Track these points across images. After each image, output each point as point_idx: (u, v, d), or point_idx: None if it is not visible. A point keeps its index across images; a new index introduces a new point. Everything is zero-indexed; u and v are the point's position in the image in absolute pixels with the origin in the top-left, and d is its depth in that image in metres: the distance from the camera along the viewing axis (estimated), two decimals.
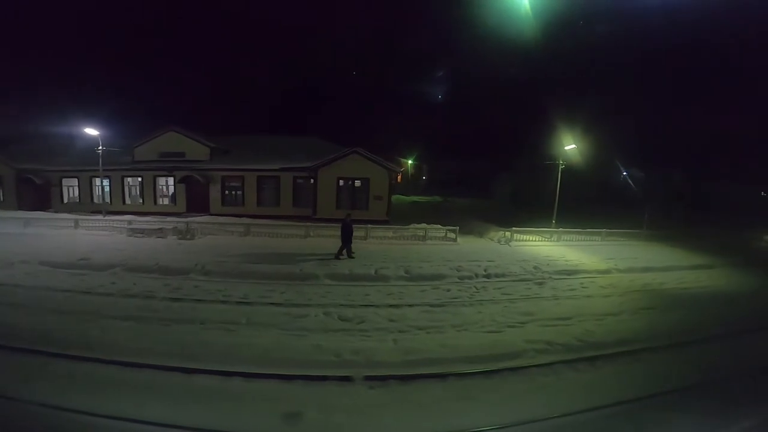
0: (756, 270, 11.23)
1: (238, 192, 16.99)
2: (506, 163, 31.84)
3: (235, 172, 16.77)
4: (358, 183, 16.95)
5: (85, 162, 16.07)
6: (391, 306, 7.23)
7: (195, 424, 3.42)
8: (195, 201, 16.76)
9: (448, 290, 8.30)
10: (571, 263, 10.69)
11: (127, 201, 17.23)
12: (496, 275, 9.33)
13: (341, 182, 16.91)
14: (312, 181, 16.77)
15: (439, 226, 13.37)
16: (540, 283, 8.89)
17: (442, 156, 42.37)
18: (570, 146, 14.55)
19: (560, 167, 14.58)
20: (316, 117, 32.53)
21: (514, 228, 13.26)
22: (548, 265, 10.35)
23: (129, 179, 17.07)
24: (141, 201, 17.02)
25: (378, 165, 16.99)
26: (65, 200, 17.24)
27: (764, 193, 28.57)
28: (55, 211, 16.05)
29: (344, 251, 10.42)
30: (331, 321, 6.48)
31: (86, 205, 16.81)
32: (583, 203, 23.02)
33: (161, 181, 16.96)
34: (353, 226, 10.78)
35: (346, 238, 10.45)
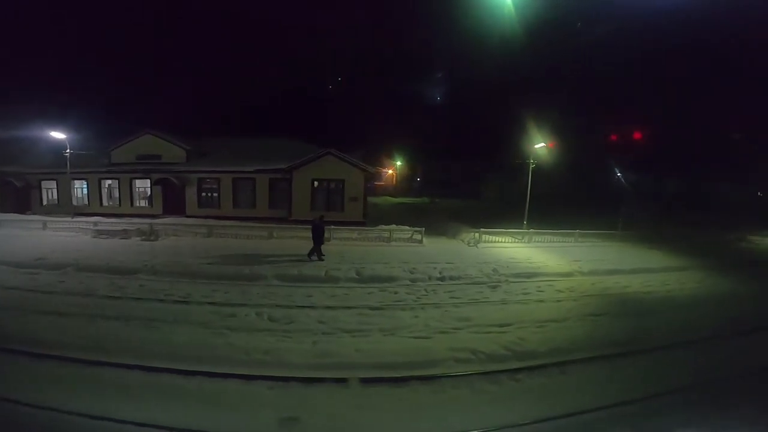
0: (733, 272, 10.85)
1: (214, 194, 17.09)
2: (496, 164, 31.62)
3: (210, 174, 16.89)
4: (333, 184, 16.90)
5: (63, 165, 16.26)
6: (327, 308, 7.18)
7: (79, 409, 3.70)
8: (171, 203, 16.88)
9: (396, 293, 8.20)
10: (534, 265, 10.51)
11: (105, 203, 17.39)
12: (451, 278, 9.19)
13: (316, 183, 16.92)
14: (287, 182, 16.76)
15: (406, 227, 13.25)
16: (494, 287, 8.71)
17: (436, 157, 42.18)
18: (539, 144, 14.38)
19: (531, 166, 14.41)
20: (305, 119, 32.56)
21: (482, 229, 13.07)
22: (509, 267, 10.20)
23: (107, 182, 17.26)
24: (118, 203, 17.12)
25: (353, 166, 16.99)
26: (44, 203, 17.47)
27: (761, 193, 28.09)
28: (34, 213, 16.26)
29: (316, 252, 10.40)
30: (259, 321, 6.46)
31: (65, 207, 17.01)
32: (569, 204, 22.76)
33: (138, 183, 17.10)
34: (325, 227, 10.76)
35: (317, 240, 10.42)
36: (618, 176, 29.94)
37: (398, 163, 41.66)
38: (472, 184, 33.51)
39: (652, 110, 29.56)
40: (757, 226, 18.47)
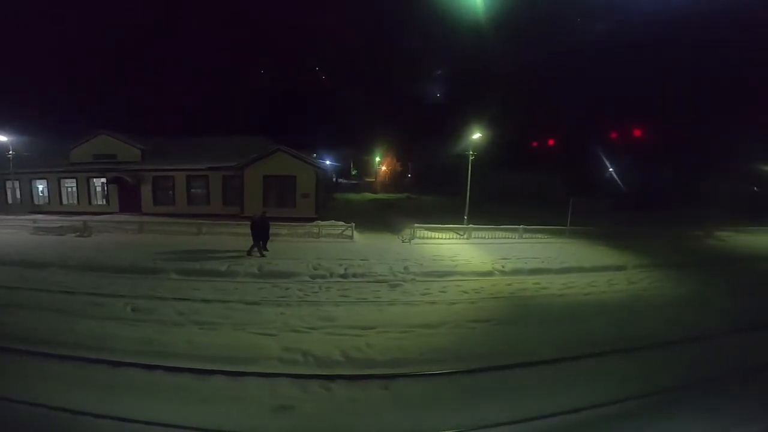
0: (678, 272, 10.36)
1: (169, 192, 17.48)
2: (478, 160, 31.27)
3: (164, 173, 17.41)
4: (284, 181, 17.09)
5: (25, 165, 16.97)
6: (202, 301, 7.45)
7: None
8: (127, 201, 17.48)
9: (287, 289, 8.34)
10: (455, 263, 10.36)
11: (65, 201, 18.09)
12: (354, 275, 9.22)
13: (267, 180, 17.09)
14: (240, 179, 17.02)
15: (341, 223, 13.33)
16: (394, 286, 8.62)
17: (424, 154, 42.02)
18: (476, 135, 14.20)
19: (470, 158, 14.25)
20: (277, 117, 32.90)
21: (416, 225, 12.97)
22: (426, 265, 10.09)
23: (66, 181, 17.91)
24: (77, 201, 17.77)
25: (304, 163, 17.19)
26: (9, 201, 18.24)
27: (757, 188, 27.10)
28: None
29: (255, 248, 10.63)
30: (120, 311, 6.85)
31: (28, 206, 17.75)
32: (549, 200, 22.30)
33: (95, 182, 17.70)
34: (270, 222, 11.04)
35: (257, 236, 10.67)
36: (610, 171, 29.52)
37: (390, 159, 41.82)
38: (455, 180, 33.18)
39: (647, 106, 28.92)
40: (736, 222, 17.73)
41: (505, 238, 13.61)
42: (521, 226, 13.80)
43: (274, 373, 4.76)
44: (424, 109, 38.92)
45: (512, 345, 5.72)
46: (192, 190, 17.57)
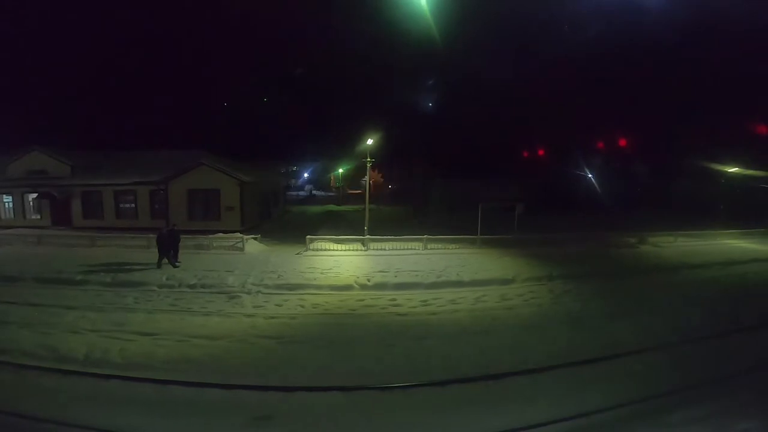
0: (579, 285, 10.04)
1: (98, 206, 18.40)
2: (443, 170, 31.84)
3: (93, 188, 18.40)
4: (208, 194, 17.82)
5: None
6: (31, 305, 8.11)
7: None
8: (59, 215, 18.57)
9: (123, 297, 8.98)
10: (323, 275, 10.62)
11: (3, 216, 19.25)
12: (204, 286, 9.67)
13: (192, 194, 17.82)
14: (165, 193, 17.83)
15: (238, 235, 13.75)
16: (233, 297, 9.02)
17: (403, 166, 42.75)
18: (369, 140, 14.64)
19: (368, 164, 14.68)
20: (225, 131, 34.30)
21: (308, 237, 13.28)
22: (287, 277, 10.32)
23: (3, 196, 19.13)
24: (13, 216, 18.90)
25: (228, 176, 17.91)
26: None
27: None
28: None
29: (165, 260, 11.25)
30: None
31: None
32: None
33: (29, 196, 18.86)
34: (180, 235, 11.81)
35: (163, 248, 11.30)
36: (589, 177, 29.33)
37: (373, 172, 42.85)
38: (424, 191, 33.57)
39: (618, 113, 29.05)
40: (696, 226, 17.29)
41: (406, 249, 13.73)
42: (425, 236, 13.92)
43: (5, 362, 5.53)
44: (398, 122, 40.10)
45: (273, 364, 5.76)
46: (120, 205, 18.52)
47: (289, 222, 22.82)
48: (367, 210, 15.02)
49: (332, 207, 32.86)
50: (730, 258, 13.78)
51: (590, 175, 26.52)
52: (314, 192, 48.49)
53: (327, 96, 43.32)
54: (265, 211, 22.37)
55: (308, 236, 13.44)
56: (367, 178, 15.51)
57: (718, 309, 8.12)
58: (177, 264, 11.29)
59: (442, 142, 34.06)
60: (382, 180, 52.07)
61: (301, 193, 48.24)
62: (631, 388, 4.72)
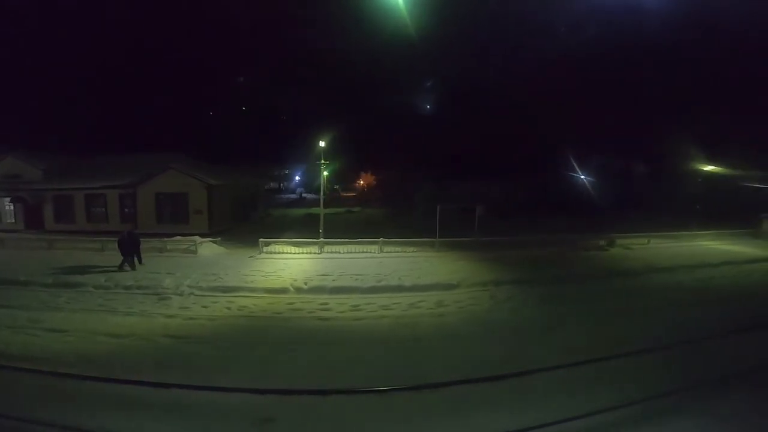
0: (527, 290, 9.85)
1: (70, 210, 18.95)
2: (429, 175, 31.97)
3: (64, 192, 18.94)
4: (177, 198, 18.21)
5: None
6: None
7: None
8: (32, 218, 19.18)
9: (60, 297, 9.35)
10: (263, 278, 10.75)
11: None
12: (140, 287, 9.97)
13: (160, 197, 18.23)
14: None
15: (198, 237, 14.13)
16: (164, 299, 9.24)
17: (395, 169, 42.98)
18: (321, 143, 14.84)
19: (322, 166, 14.90)
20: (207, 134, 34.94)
21: (261, 239, 13.50)
22: (226, 280, 10.48)
23: None
24: None
25: (196, 180, 18.28)
26: None
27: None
28: None
29: (126, 263, 11.58)
30: None
31: None
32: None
33: (4, 201, 19.53)
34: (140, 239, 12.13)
35: (125, 251, 11.65)
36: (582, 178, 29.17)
37: (367, 174, 43.43)
38: (406, 193, 33.70)
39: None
40: (669, 227, 17.07)
41: (362, 252, 13.81)
42: (381, 239, 14.00)
43: None
44: (389, 125, 40.47)
45: (160, 362, 5.97)
46: (91, 208, 19.04)
47: (264, 225, 23.09)
48: (321, 213, 15.23)
49: (316, 210, 33.10)
50: (702, 261, 13.49)
51: (582, 177, 26.35)
52: (304, 195, 49.00)
53: (314, 97, 43.85)
54: (241, 214, 22.73)
55: (261, 239, 13.64)
56: (322, 179, 15.70)
57: (662, 321, 7.73)
58: (140, 265, 11.60)
59: (429, 144, 34.21)
60: (374, 183, 52.51)
61: (292, 195, 48.82)
62: (519, 409, 4.47)
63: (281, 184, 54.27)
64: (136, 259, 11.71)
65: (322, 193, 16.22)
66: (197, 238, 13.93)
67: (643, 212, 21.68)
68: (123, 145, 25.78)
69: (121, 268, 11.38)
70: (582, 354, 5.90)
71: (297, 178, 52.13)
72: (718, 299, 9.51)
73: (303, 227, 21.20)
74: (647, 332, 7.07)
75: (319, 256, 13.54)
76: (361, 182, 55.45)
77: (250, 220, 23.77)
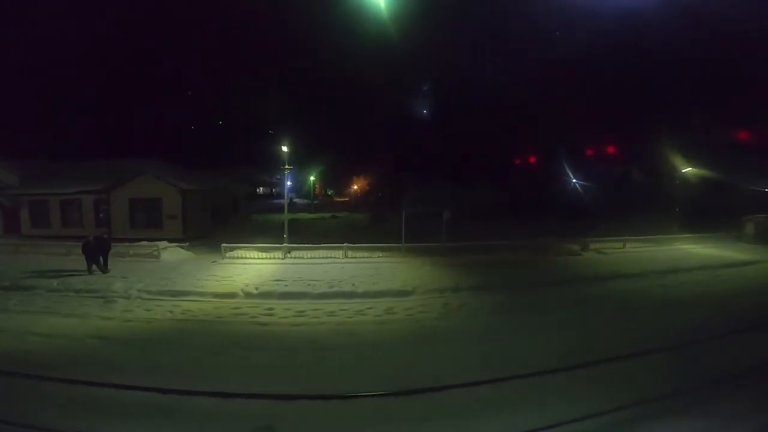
0: (482, 297, 9.58)
1: (46, 215, 19.26)
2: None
3: (40, 197, 19.26)
4: (151, 203, 18.45)
5: None
6: None
7: None
8: (9, 223, 19.46)
9: (10, 299, 9.47)
10: (217, 283, 10.83)
11: None
12: (89, 291, 10.19)
13: (134, 203, 18.49)
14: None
15: (165, 243, 14.30)
16: (110, 302, 9.39)
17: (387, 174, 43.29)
18: (284, 148, 15.01)
19: (286, 171, 15.06)
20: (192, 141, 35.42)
21: (224, 244, 13.64)
22: (178, 284, 10.60)
23: None
24: None
25: (170, 185, 18.50)
26: None
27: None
28: None
29: (95, 268, 11.77)
30: None
31: None
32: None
33: None
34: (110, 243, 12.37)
35: (90, 256, 11.82)
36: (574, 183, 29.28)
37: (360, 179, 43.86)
38: (393, 197, 33.89)
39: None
40: (645, 231, 16.99)
41: (326, 258, 13.87)
42: (345, 245, 14.07)
43: None
44: (378, 129, 40.88)
45: (80, 361, 6.13)
46: (67, 214, 19.36)
47: (242, 231, 23.21)
48: (285, 218, 15.36)
49: (302, 215, 33.25)
50: (675, 266, 13.26)
51: (574, 181, 26.40)
52: (296, 200, 49.25)
53: (302, 102, 44.35)
54: (220, 220, 22.88)
55: (224, 244, 13.77)
56: (285, 184, 15.83)
57: (606, 334, 6.99)
58: (107, 271, 11.74)
59: (414, 148, 34.45)
60: (368, 187, 52.81)
61: (284, 201, 49.01)
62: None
63: (273, 190, 54.53)
64: (103, 263, 11.84)
65: (286, 197, 16.25)
66: (161, 243, 14.09)
67: (625, 215, 21.60)
68: (101, 150, 26.19)
69: (90, 272, 11.54)
70: (507, 370, 5.26)
71: (288, 183, 52.44)
72: (681, 312, 8.66)
73: (281, 233, 21.34)
74: (590, 344, 6.37)
75: (283, 261, 13.63)
76: (355, 187, 55.87)
77: (228, 226, 23.92)
